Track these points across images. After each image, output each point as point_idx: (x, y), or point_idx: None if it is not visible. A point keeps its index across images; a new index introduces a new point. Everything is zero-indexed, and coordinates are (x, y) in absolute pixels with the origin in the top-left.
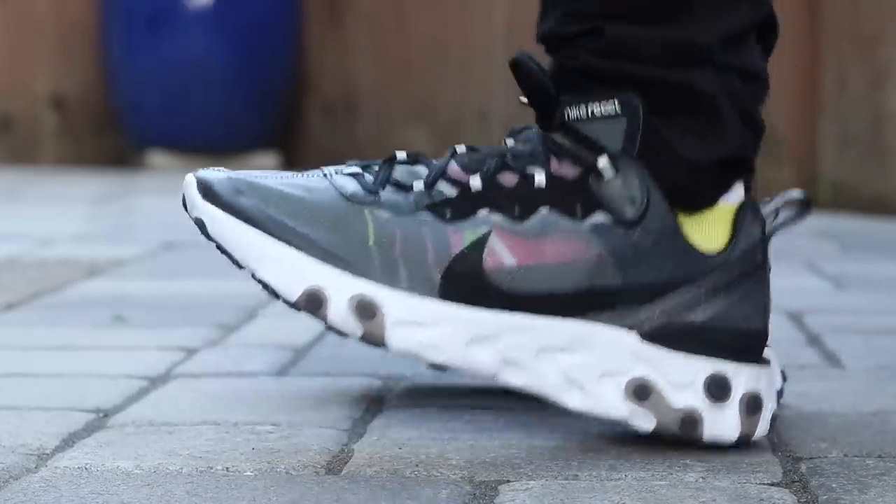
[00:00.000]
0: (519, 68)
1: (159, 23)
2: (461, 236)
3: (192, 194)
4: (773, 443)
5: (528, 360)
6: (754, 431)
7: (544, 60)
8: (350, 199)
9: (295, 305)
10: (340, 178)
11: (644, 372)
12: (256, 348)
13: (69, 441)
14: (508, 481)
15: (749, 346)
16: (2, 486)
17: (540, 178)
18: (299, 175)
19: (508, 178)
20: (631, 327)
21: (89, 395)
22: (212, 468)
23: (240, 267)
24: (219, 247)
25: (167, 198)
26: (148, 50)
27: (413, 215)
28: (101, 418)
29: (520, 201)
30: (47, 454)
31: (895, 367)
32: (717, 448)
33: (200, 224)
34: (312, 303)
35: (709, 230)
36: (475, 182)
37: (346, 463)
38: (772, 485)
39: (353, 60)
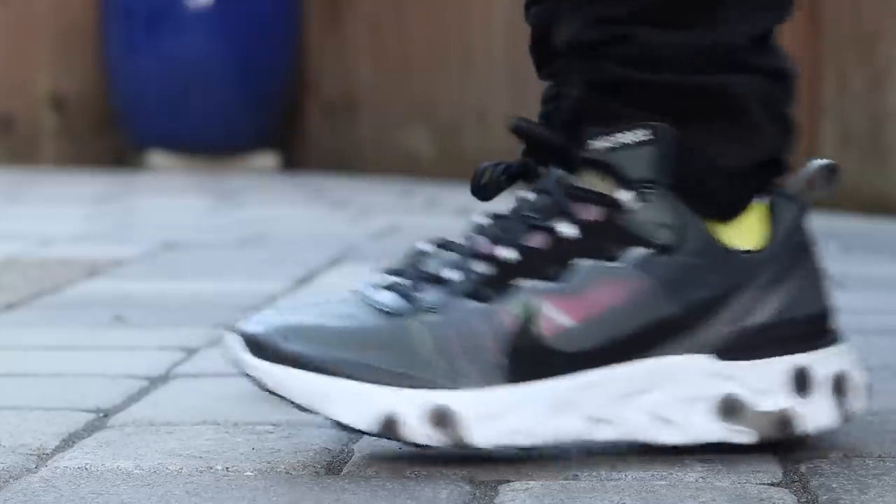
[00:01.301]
0: (519, 132)
1: (159, 23)
2: (511, 312)
3: (240, 353)
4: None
5: (614, 412)
6: (852, 408)
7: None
8: (392, 314)
9: (375, 434)
10: (377, 295)
11: (728, 389)
12: None
13: (69, 441)
14: (508, 481)
15: (818, 329)
16: (2, 486)
17: (568, 230)
18: (335, 302)
19: (538, 240)
20: (701, 350)
21: (89, 395)
22: (212, 468)
23: (308, 412)
24: (281, 397)
25: (167, 198)
26: (148, 50)
27: (457, 308)
28: (101, 418)
29: (555, 261)
30: (47, 454)
31: (895, 366)
32: (717, 448)
33: (257, 381)
34: (389, 427)
35: (746, 230)
36: (508, 254)
37: (346, 463)
38: (772, 485)
39: (353, 60)
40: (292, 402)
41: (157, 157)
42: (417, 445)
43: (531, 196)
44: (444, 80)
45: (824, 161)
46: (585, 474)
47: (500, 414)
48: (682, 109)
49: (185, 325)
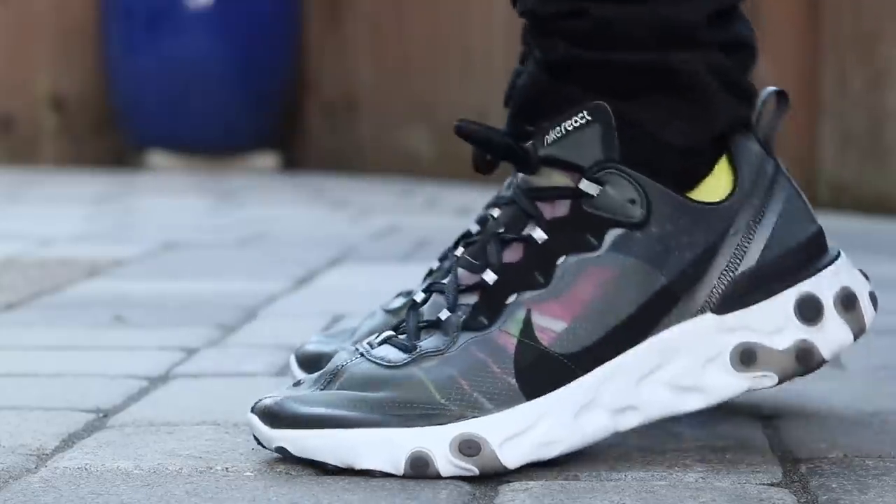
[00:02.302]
0: (465, 135)
1: (159, 23)
2: (507, 332)
3: (262, 429)
4: (772, 443)
5: (635, 396)
6: (864, 321)
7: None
8: (394, 366)
9: (405, 476)
10: (378, 351)
11: (738, 339)
12: (256, 348)
13: (69, 441)
14: (508, 481)
15: (814, 252)
16: (2, 486)
17: (538, 234)
18: (339, 364)
19: (514, 252)
20: (702, 310)
21: (89, 395)
22: (212, 468)
23: (339, 468)
24: (309, 461)
25: (167, 198)
26: (148, 50)
27: (455, 345)
28: (101, 418)
29: (537, 268)
30: (47, 454)
31: (895, 367)
32: (717, 448)
33: (283, 451)
34: (419, 466)
35: (713, 181)
36: (489, 276)
37: None
38: (772, 485)
39: (353, 60)
40: (322, 464)
41: (157, 157)
42: (448, 478)
43: (496, 212)
44: (443, 80)
45: (772, 89)
46: (585, 474)
47: (524, 431)
48: (631, 88)
49: (185, 325)
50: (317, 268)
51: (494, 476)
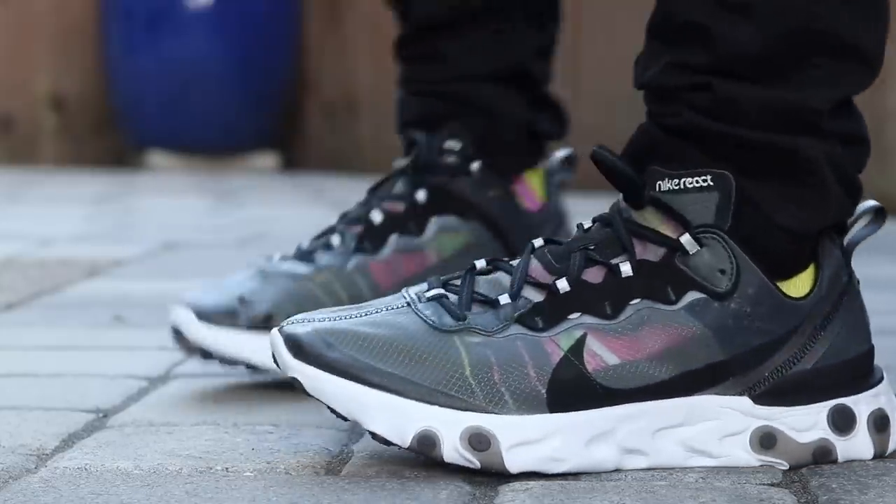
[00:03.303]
0: (600, 163)
1: (159, 23)
2: (557, 343)
3: (283, 353)
4: None
5: (648, 443)
6: (887, 447)
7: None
8: (438, 328)
9: (409, 449)
10: (425, 307)
11: (764, 423)
12: None
13: (69, 441)
14: (508, 481)
15: (861, 371)
16: (2, 486)
17: (626, 268)
18: (382, 307)
19: (594, 274)
20: (743, 392)
21: (89, 395)
22: (211, 468)
23: (345, 419)
24: (321, 400)
25: (167, 198)
26: (148, 50)
27: (504, 333)
28: (101, 418)
29: (610, 298)
30: (47, 454)
31: (895, 367)
32: None
33: (297, 383)
34: (425, 445)
35: (797, 277)
36: (562, 285)
37: (345, 463)
38: (772, 485)
39: (353, 60)
40: (329, 408)
41: (157, 157)
42: (447, 464)
43: (591, 226)
44: None
45: (873, 203)
46: (585, 474)
47: (536, 441)
48: (752, 164)
49: None
50: None
51: (493, 474)
